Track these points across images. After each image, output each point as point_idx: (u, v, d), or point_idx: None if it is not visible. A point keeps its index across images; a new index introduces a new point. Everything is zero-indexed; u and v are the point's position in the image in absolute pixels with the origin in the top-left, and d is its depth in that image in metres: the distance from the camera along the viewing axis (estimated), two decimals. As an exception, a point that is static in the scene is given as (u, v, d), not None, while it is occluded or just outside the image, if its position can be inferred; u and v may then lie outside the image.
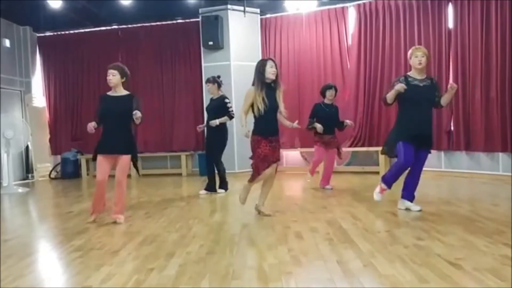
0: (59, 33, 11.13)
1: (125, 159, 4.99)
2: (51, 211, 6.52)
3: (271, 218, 4.96)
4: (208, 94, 7.92)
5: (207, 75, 9.42)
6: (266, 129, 4.90)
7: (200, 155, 10.09)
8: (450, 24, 8.21)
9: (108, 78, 5.05)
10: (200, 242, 3.99)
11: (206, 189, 7.03)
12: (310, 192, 6.93)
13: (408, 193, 5.11)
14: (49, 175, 10.90)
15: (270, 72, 4.81)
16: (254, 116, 4.90)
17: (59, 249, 4.07)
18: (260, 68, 4.84)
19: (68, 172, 10.71)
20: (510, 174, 7.27)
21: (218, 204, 6.30)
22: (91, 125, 5.03)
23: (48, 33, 11.21)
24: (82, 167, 10.80)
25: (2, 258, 3.71)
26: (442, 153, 8.40)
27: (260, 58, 9.88)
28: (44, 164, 11.02)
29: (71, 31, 11.01)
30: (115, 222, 4.97)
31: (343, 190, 6.93)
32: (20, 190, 8.51)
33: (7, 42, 10.34)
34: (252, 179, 5.02)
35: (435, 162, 8.43)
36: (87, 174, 10.82)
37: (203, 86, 9.81)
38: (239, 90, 8.20)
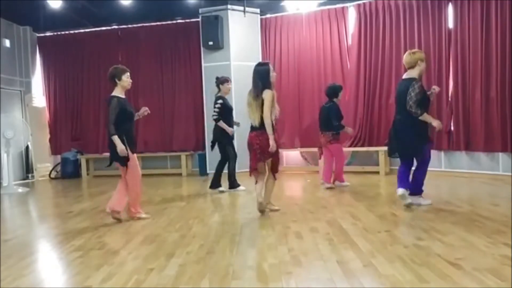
0: (59, 33, 11.12)
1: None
2: (51, 211, 6.52)
3: (271, 218, 4.96)
4: (209, 94, 7.94)
5: (207, 75, 9.47)
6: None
7: (200, 155, 10.08)
8: (450, 24, 8.20)
9: (130, 81, 5.14)
10: (200, 242, 3.99)
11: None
12: (310, 192, 6.93)
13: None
14: (49, 175, 10.90)
15: (273, 76, 5.07)
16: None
17: (59, 249, 4.08)
18: (268, 72, 5.02)
19: (68, 172, 10.71)
20: (510, 174, 7.27)
21: (218, 204, 6.30)
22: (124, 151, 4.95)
23: (48, 33, 11.20)
24: (82, 167, 10.79)
25: (2, 258, 3.71)
26: (442, 153, 8.39)
27: (260, 58, 9.94)
28: (44, 164, 11.02)
29: (71, 31, 11.00)
30: (119, 220, 5.08)
31: (343, 190, 6.92)
32: (20, 190, 8.51)
33: (7, 42, 10.34)
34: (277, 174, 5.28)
35: (435, 162, 8.40)
36: (87, 174, 10.81)
37: (203, 86, 9.81)
38: (239, 90, 8.18)
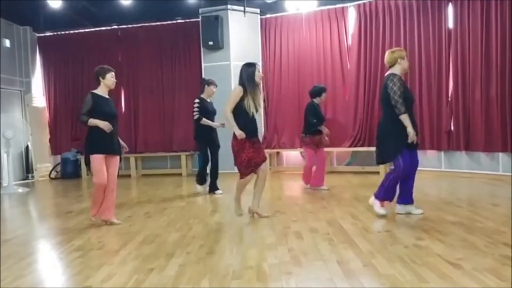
0: (59, 33, 11.12)
1: (118, 159, 5.07)
2: (51, 211, 6.52)
3: (271, 218, 4.96)
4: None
5: (207, 75, 9.47)
6: (251, 129, 4.94)
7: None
8: (450, 24, 8.21)
9: (114, 80, 5.10)
10: (200, 242, 3.99)
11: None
12: (310, 192, 6.93)
13: (408, 197, 4.92)
14: (49, 175, 10.90)
15: (258, 76, 4.98)
16: (237, 116, 4.89)
17: (59, 249, 4.08)
18: (251, 71, 4.96)
19: (68, 172, 10.71)
20: (510, 174, 7.27)
21: (218, 204, 6.30)
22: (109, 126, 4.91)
23: (48, 33, 11.20)
24: (82, 167, 10.79)
25: (2, 258, 3.71)
26: (442, 153, 8.39)
27: (260, 58, 9.96)
28: (44, 164, 11.02)
29: (71, 31, 11.00)
30: (112, 223, 4.96)
31: (343, 190, 6.93)
32: (20, 190, 8.51)
33: (7, 42, 10.34)
34: (241, 177, 5.05)
35: (435, 162, 8.42)
36: (87, 174, 10.79)
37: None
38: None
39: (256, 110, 4.94)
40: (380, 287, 2.79)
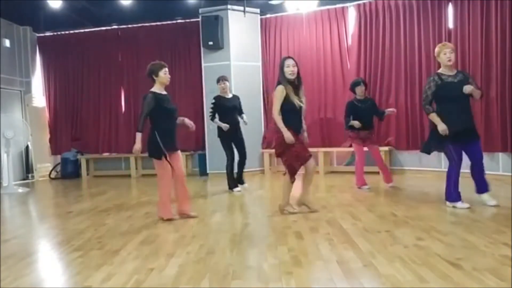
0: (59, 33, 11.12)
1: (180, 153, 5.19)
2: (51, 211, 6.52)
3: (271, 218, 4.96)
4: (209, 94, 7.98)
5: (207, 75, 9.48)
6: (297, 125, 4.99)
7: (200, 155, 10.08)
8: (450, 24, 8.20)
9: (168, 76, 5.12)
10: (200, 242, 3.99)
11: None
12: (310, 192, 6.91)
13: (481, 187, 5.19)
14: (49, 175, 10.90)
15: (287, 72, 4.92)
16: (285, 114, 4.91)
17: (59, 249, 4.08)
18: (281, 66, 4.97)
19: (68, 172, 10.71)
20: (510, 174, 7.26)
21: (218, 204, 6.30)
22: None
23: (48, 33, 11.19)
24: (82, 167, 10.79)
25: (2, 258, 3.71)
26: (442, 153, 8.37)
27: (260, 58, 10.00)
28: (44, 164, 11.02)
29: (71, 31, 10.99)
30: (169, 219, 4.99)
31: (343, 190, 6.92)
32: (20, 190, 8.51)
33: (7, 42, 10.33)
34: (291, 177, 5.06)
35: (435, 162, 8.40)
36: (87, 174, 10.81)
37: (203, 86, 9.81)
38: (239, 90, 8.18)
39: (299, 105, 4.93)
40: (380, 287, 2.79)
